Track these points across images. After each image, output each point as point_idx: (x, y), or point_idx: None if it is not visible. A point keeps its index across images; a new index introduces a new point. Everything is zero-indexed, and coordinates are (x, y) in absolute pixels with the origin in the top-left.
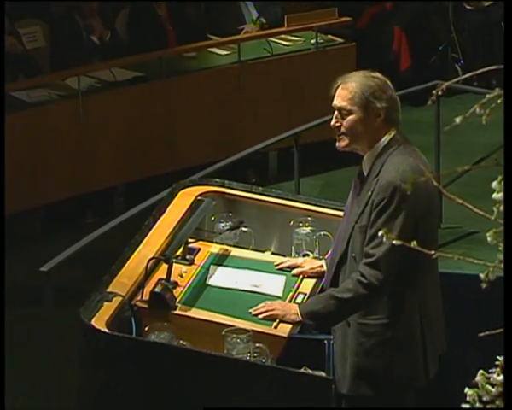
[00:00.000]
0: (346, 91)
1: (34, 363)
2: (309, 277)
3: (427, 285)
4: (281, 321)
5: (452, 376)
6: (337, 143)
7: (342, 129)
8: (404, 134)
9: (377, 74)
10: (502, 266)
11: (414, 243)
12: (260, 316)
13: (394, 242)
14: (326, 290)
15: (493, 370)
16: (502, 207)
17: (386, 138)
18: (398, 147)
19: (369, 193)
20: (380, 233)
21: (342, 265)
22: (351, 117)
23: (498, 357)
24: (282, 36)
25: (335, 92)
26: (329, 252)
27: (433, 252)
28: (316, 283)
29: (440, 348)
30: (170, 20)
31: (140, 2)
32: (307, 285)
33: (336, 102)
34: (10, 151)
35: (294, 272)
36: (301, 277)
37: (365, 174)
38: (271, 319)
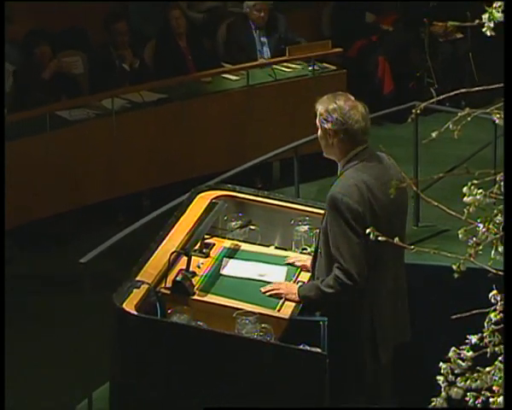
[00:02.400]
0: (317, 111)
1: (75, 341)
2: (307, 270)
3: (383, 283)
4: (285, 300)
5: (430, 353)
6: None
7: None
8: (374, 151)
9: (339, 96)
10: (471, 258)
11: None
12: (268, 294)
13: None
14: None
15: (463, 347)
16: (471, 209)
17: (350, 155)
18: (359, 163)
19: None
20: (338, 241)
21: (315, 258)
22: (318, 133)
23: (468, 336)
24: (284, 64)
25: None
26: None
27: (412, 247)
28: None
29: (398, 338)
30: (189, 50)
31: (164, 36)
32: (305, 275)
33: None
34: (54, 161)
35: (298, 264)
36: (300, 269)
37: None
38: (277, 297)
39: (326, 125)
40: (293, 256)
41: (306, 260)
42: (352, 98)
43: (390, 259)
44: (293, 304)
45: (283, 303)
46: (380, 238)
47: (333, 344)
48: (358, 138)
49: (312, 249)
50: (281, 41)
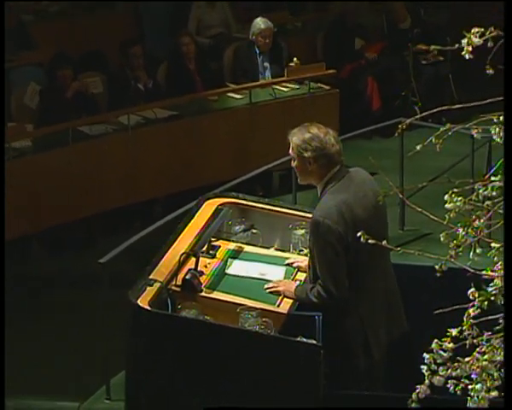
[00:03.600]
0: (290, 145)
1: (96, 332)
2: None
3: (370, 289)
4: (283, 297)
5: (415, 345)
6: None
7: (295, 169)
8: (347, 168)
9: (312, 127)
10: (452, 259)
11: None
12: (268, 290)
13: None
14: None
15: (445, 339)
16: (452, 215)
17: (327, 176)
18: (336, 184)
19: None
20: (320, 262)
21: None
22: (294, 163)
23: (449, 330)
24: (283, 84)
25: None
26: None
27: (398, 248)
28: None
29: (394, 332)
30: (198, 71)
31: (175, 59)
32: (301, 275)
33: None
34: (76, 171)
35: (295, 265)
36: (297, 269)
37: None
38: (277, 293)
39: (306, 154)
40: (293, 258)
41: (303, 260)
42: (322, 126)
43: (378, 263)
44: (292, 300)
45: (282, 299)
46: (370, 241)
47: (327, 343)
48: (335, 160)
49: (307, 251)
50: (282, 68)
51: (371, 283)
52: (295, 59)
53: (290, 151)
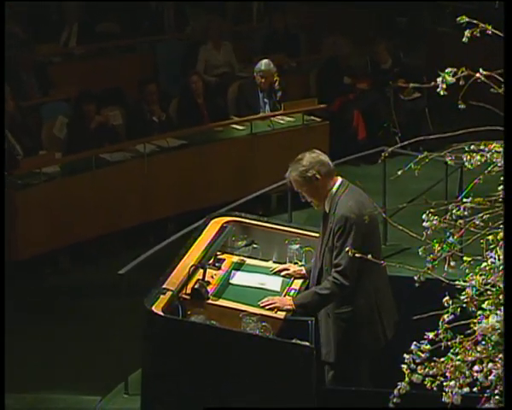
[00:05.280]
0: (293, 181)
1: (115, 335)
2: (295, 278)
3: (377, 279)
4: (279, 310)
5: (396, 347)
6: (315, 207)
7: (309, 200)
8: (348, 181)
9: (300, 156)
10: (429, 271)
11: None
12: (262, 304)
13: (350, 254)
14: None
15: (423, 341)
16: (429, 232)
17: (335, 186)
18: (345, 190)
19: (331, 225)
20: (344, 250)
21: (321, 275)
22: (305, 193)
23: (426, 333)
24: (280, 117)
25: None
26: (312, 260)
27: (382, 262)
28: (302, 282)
29: (393, 317)
30: (205, 106)
31: (185, 95)
32: (297, 284)
33: (295, 188)
34: (98, 193)
35: (283, 273)
36: (293, 278)
37: (327, 212)
38: (272, 308)
39: (309, 173)
40: (281, 266)
41: (289, 266)
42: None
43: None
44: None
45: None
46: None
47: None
48: (333, 168)
49: (301, 263)
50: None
51: (381, 273)
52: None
53: (296, 187)
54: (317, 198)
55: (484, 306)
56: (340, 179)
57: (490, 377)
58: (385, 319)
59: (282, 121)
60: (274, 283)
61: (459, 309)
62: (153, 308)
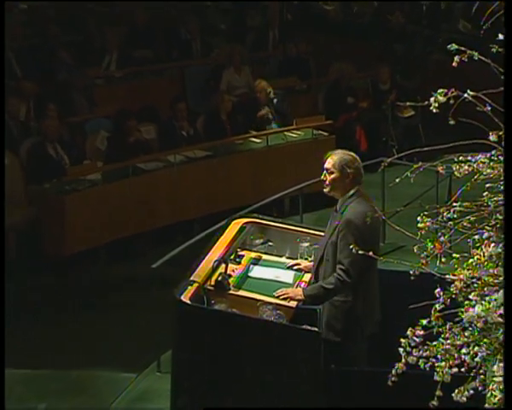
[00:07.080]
0: (331, 160)
1: (149, 321)
2: (305, 271)
3: (370, 278)
4: (291, 299)
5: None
6: (324, 189)
7: (327, 181)
8: (365, 191)
9: (351, 153)
10: (423, 266)
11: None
12: (277, 295)
13: (354, 251)
14: (314, 280)
15: (417, 328)
16: (423, 232)
17: (352, 191)
18: (358, 198)
19: (337, 223)
20: (346, 250)
21: (320, 264)
22: (332, 175)
23: (420, 320)
24: (292, 131)
25: (326, 159)
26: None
27: (381, 258)
28: (311, 276)
29: (376, 316)
30: (228, 122)
31: (211, 112)
32: (306, 277)
33: (326, 165)
34: (134, 198)
35: (295, 267)
36: (303, 272)
37: (338, 210)
38: (285, 298)
39: (349, 170)
40: (293, 261)
41: (301, 262)
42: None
43: (375, 263)
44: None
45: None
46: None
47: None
48: (361, 179)
49: (310, 260)
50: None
51: (373, 276)
52: None
53: (329, 166)
54: (333, 188)
55: (471, 296)
56: (357, 188)
57: (476, 359)
58: (366, 316)
59: (294, 135)
60: (287, 276)
61: (449, 299)
62: (181, 298)
